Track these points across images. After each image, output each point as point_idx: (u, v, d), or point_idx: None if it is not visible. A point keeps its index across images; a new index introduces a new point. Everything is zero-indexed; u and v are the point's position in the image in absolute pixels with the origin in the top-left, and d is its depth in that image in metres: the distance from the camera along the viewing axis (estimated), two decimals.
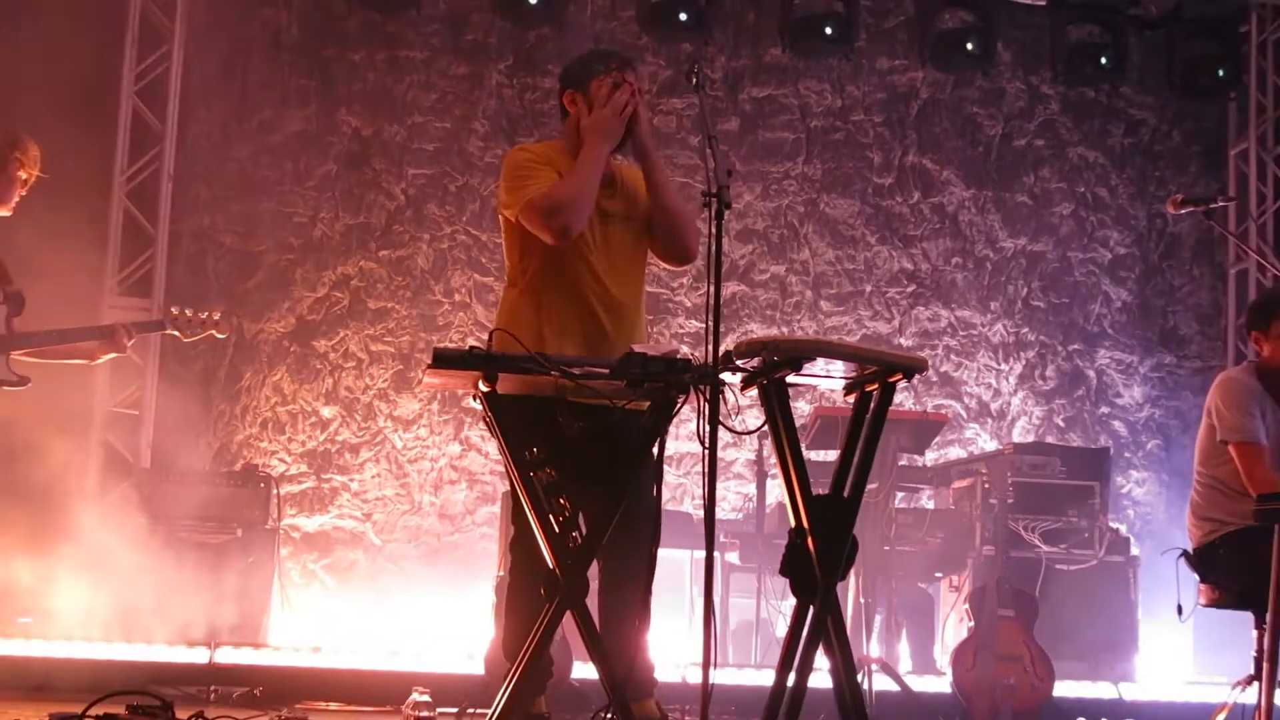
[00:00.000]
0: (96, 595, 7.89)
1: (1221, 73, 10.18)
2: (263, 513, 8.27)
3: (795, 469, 4.23)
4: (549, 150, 5.16)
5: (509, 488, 5.26)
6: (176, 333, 6.10)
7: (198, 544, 7.95)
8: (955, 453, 9.46)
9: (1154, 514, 10.19)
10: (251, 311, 9.40)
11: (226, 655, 7.27)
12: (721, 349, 4.11)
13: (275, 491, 8.64)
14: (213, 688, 6.96)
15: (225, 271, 9.46)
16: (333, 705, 6.67)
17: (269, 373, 9.52)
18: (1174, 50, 10.26)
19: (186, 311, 6.10)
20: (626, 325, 4.92)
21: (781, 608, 7.75)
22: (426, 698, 4.10)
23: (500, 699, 4.09)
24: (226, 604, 7.77)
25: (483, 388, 4.21)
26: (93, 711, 3.78)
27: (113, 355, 6.11)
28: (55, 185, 5.76)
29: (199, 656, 7.23)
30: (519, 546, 4.95)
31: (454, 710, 5.87)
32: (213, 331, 6.16)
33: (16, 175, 5.50)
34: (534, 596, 4.57)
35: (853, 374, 4.42)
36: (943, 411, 9.69)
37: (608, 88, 4.96)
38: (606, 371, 4.16)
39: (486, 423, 4.38)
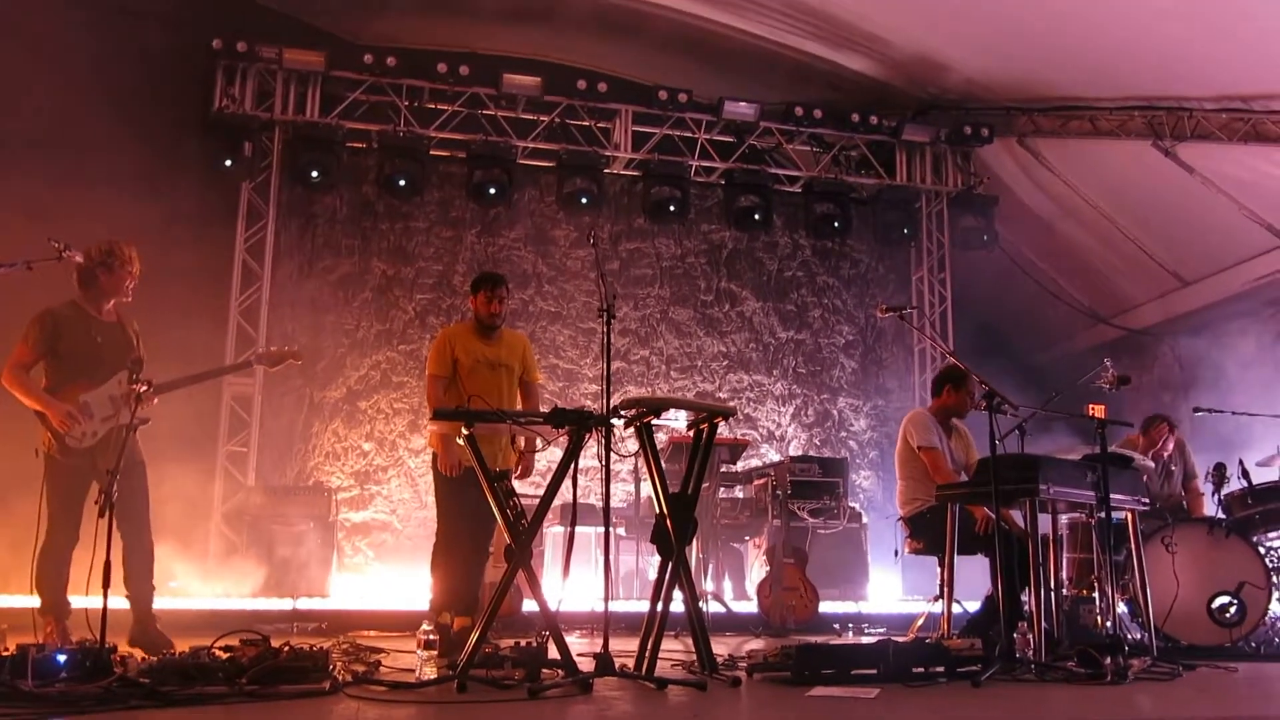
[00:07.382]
0: (220, 567, 7.65)
1: (905, 230, 10.45)
2: (326, 511, 8.06)
3: (658, 476, 4.27)
4: (458, 332, 5.34)
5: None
6: (263, 366, 5.69)
7: (285, 531, 7.74)
8: (755, 463, 9.47)
9: (875, 497, 10.28)
10: (318, 384, 9.22)
11: (303, 603, 7.17)
12: (611, 403, 4.14)
13: (334, 498, 8.46)
14: (295, 624, 6.81)
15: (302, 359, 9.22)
16: (371, 632, 6.52)
17: (330, 422, 9.30)
18: (878, 217, 10.48)
19: (271, 348, 5.77)
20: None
21: (651, 562, 7.70)
22: (430, 627, 3.94)
23: (477, 628, 3.87)
24: (303, 570, 7.60)
25: (464, 431, 4.15)
26: (219, 644, 3.62)
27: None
28: (196, 307, 5.54)
29: (286, 604, 7.13)
30: (444, 533, 5.17)
31: None
32: (291, 359, 5.73)
33: (123, 275, 4.85)
34: (457, 564, 5.08)
35: (692, 418, 4.50)
36: (746, 437, 9.71)
37: (482, 299, 5.24)
38: (541, 419, 4.10)
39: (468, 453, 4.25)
